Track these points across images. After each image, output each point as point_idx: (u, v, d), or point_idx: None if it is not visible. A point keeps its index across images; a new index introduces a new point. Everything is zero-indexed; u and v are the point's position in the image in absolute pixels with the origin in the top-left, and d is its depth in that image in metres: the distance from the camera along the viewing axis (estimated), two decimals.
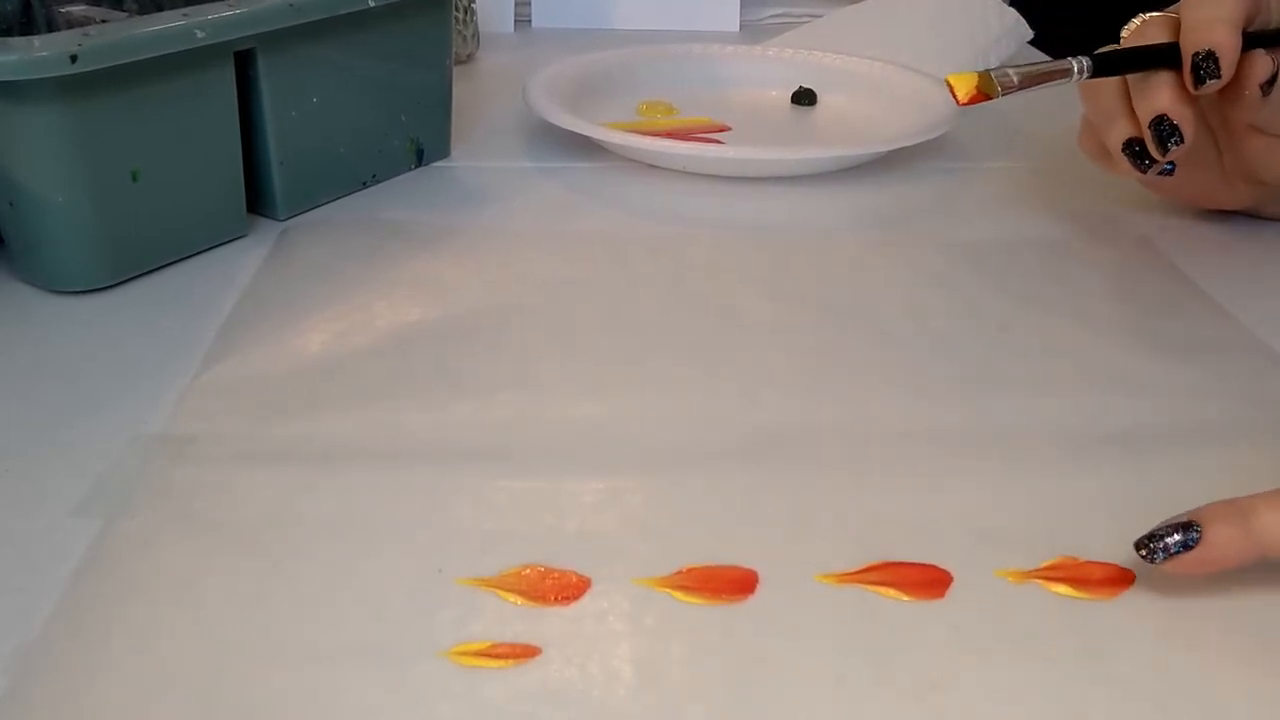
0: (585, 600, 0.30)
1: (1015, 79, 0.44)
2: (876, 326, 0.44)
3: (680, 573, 0.31)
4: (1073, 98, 0.48)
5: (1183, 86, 0.43)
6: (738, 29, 0.92)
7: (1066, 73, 0.44)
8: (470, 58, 0.82)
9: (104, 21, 0.52)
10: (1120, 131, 0.45)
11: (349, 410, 0.38)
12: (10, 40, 0.40)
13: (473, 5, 0.80)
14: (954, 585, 0.30)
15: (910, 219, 0.56)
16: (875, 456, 0.36)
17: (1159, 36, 0.44)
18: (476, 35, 0.82)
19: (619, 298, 0.46)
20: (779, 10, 0.94)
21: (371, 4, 0.51)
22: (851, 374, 0.40)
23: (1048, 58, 0.46)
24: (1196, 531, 0.29)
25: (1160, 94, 0.43)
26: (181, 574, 0.30)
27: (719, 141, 0.63)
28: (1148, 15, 0.46)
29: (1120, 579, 0.31)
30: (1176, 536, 0.29)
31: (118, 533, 0.32)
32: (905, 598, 0.30)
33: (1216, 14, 0.42)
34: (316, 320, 0.44)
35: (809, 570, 0.31)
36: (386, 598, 0.30)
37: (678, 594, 0.30)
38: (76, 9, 0.55)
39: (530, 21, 0.93)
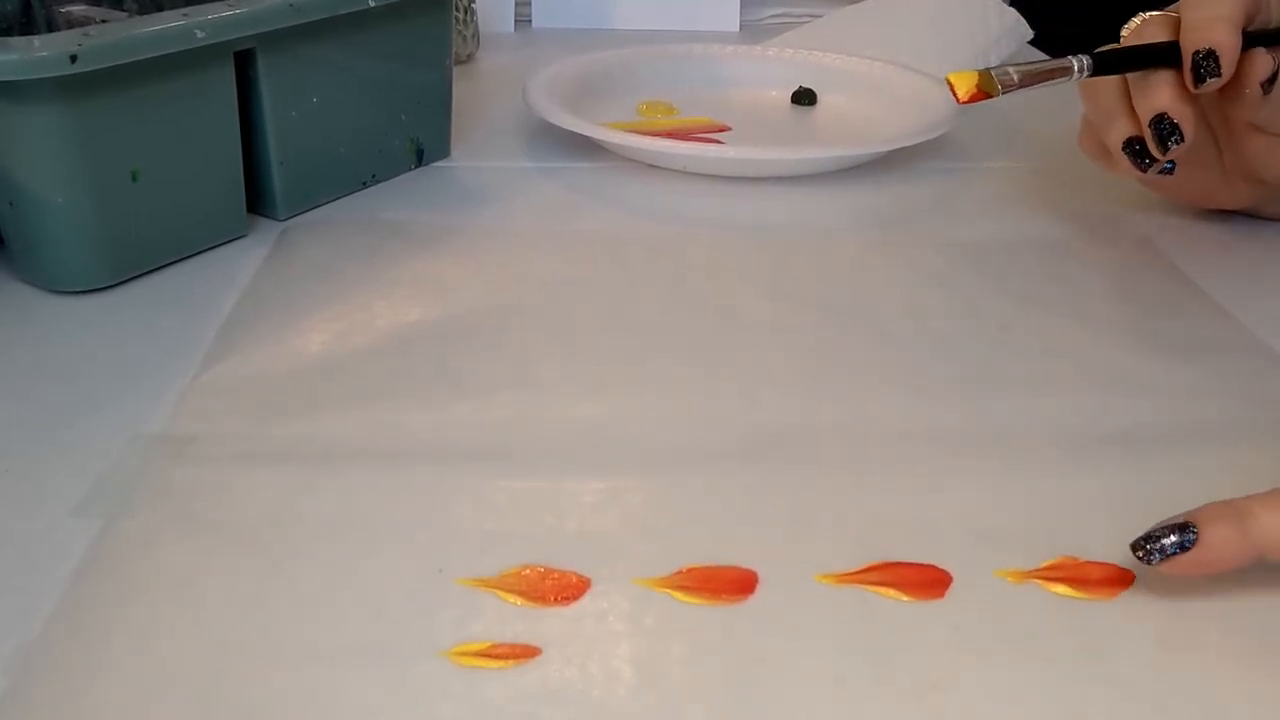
0: (585, 600, 0.30)
1: (1015, 77, 0.44)
2: (876, 326, 0.44)
3: (680, 573, 0.31)
4: (1072, 97, 0.48)
5: (1183, 85, 0.43)
6: (738, 29, 0.92)
7: (1067, 71, 0.44)
8: (470, 58, 0.82)
9: (104, 21, 0.52)
10: (1120, 130, 0.45)
11: (349, 410, 0.38)
12: (10, 40, 0.40)
13: (473, 5, 0.80)
14: (954, 585, 0.30)
15: (910, 219, 0.56)
16: (875, 456, 0.36)
17: (1159, 35, 0.44)
18: (476, 35, 0.82)
19: (619, 298, 0.46)
20: (779, 10, 0.94)
21: (371, 4, 0.51)
22: (851, 374, 0.40)
23: (1047, 57, 0.46)
24: (1193, 533, 0.29)
25: (1160, 93, 0.43)
26: (181, 574, 0.30)
27: (719, 141, 0.63)
28: (1147, 14, 0.46)
29: (1120, 579, 0.31)
30: (1173, 538, 0.29)
31: (118, 533, 0.32)
32: (905, 598, 0.30)
33: (1216, 13, 0.42)
34: (316, 320, 0.44)
35: (809, 570, 0.31)
36: (386, 598, 0.30)
37: (678, 594, 0.30)
38: (76, 9, 0.55)
39: (530, 21, 0.93)
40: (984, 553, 0.31)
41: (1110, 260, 0.50)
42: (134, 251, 0.46)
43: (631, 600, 0.30)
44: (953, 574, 0.31)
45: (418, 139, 0.59)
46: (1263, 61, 0.43)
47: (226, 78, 0.47)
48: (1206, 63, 0.42)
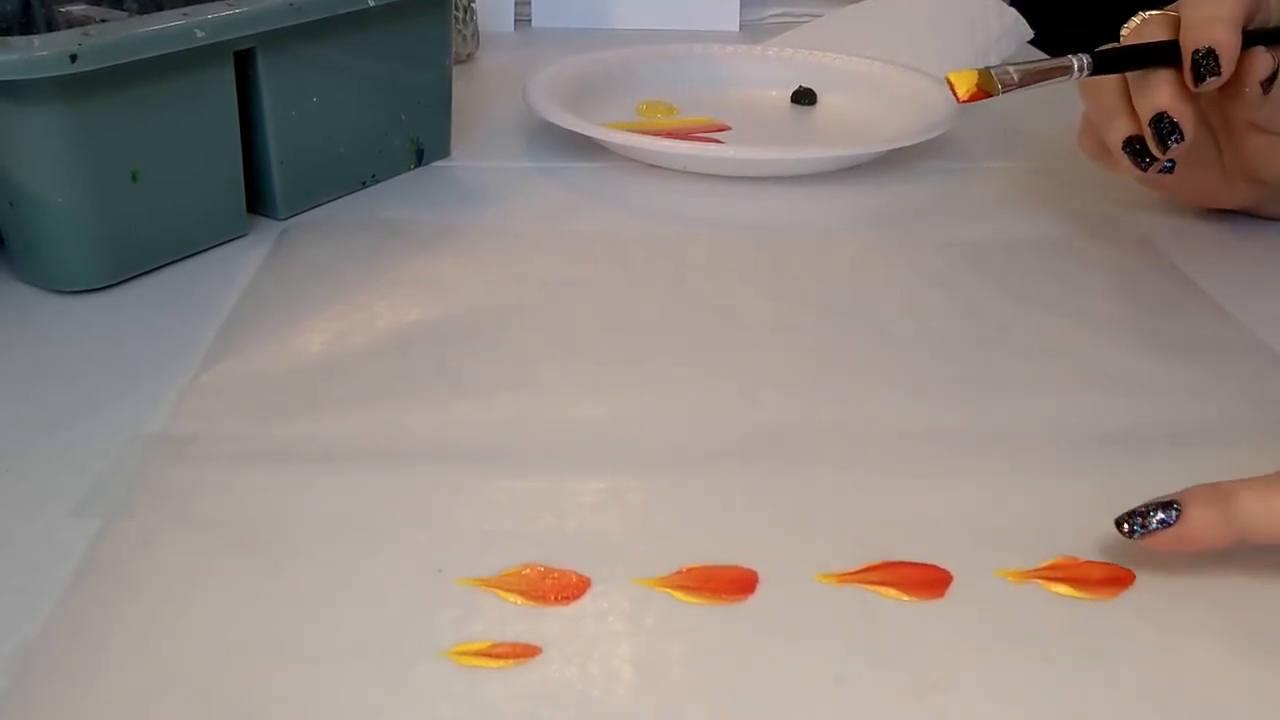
0: (585, 600, 0.30)
1: (1015, 76, 0.44)
2: (876, 326, 0.44)
3: (680, 573, 0.31)
4: (1072, 97, 0.48)
5: (1183, 84, 0.43)
6: (738, 29, 0.92)
7: (1067, 70, 0.44)
8: (470, 58, 0.82)
9: (104, 21, 0.52)
10: (1120, 129, 0.45)
11: (349, 410, 0.38)
12: (10, 40, 0.40)
13: (473, 5, 0.80)
14: (954, 585, 0.30)
15: (910, 219, 0.56)
16: (875, 456, 0.36)
17: (1159, 34, 0.44)
18: (476, 35, 0.82)
19: (619, 298, 0.46)
20: (779, 10, 0.94)
21: (371, 4, 0.51)
22: (851, 374, 0.40)
23: (1047, 57, 0.46)
24: (1176, 510, 0.29)
25: (1160, 91, 0.43)
26: (181, 574, 0.30)
27: (719, 141, 0.63)
28: (1147, 14, 0.46)
29: (1120, 579, 0.31)
30: (1158, 515, 0.30)
31: (118, 533, 0.32)
32: (905, 598, 0.30)
33: (1216, 12, 0.42)
34: (316, 320, 0.44)
35: (809, 570, 0.31)
36: (386, 598, 0.30)
37: (678, 594, 0.30)
38: (76, 9, 0.55)
39: (530, 21, 0.93)
40: (984, 553, 0.31)
41: (1110, 260, 0.50)
42: (134, 251, 0.46)
43: (631, 600, 0.30)
44: (953, 574, 0.31)
45: (418, 139, 0.59)
46: (1262, 60, 0.43)
47: (226, 78, 0.47)
48: (1206, 61, 0.42)
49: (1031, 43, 0.82)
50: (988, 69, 0.44)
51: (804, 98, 0.70)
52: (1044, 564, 0.31)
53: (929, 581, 0.30)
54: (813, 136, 0.66)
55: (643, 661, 0.28)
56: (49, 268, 0.45)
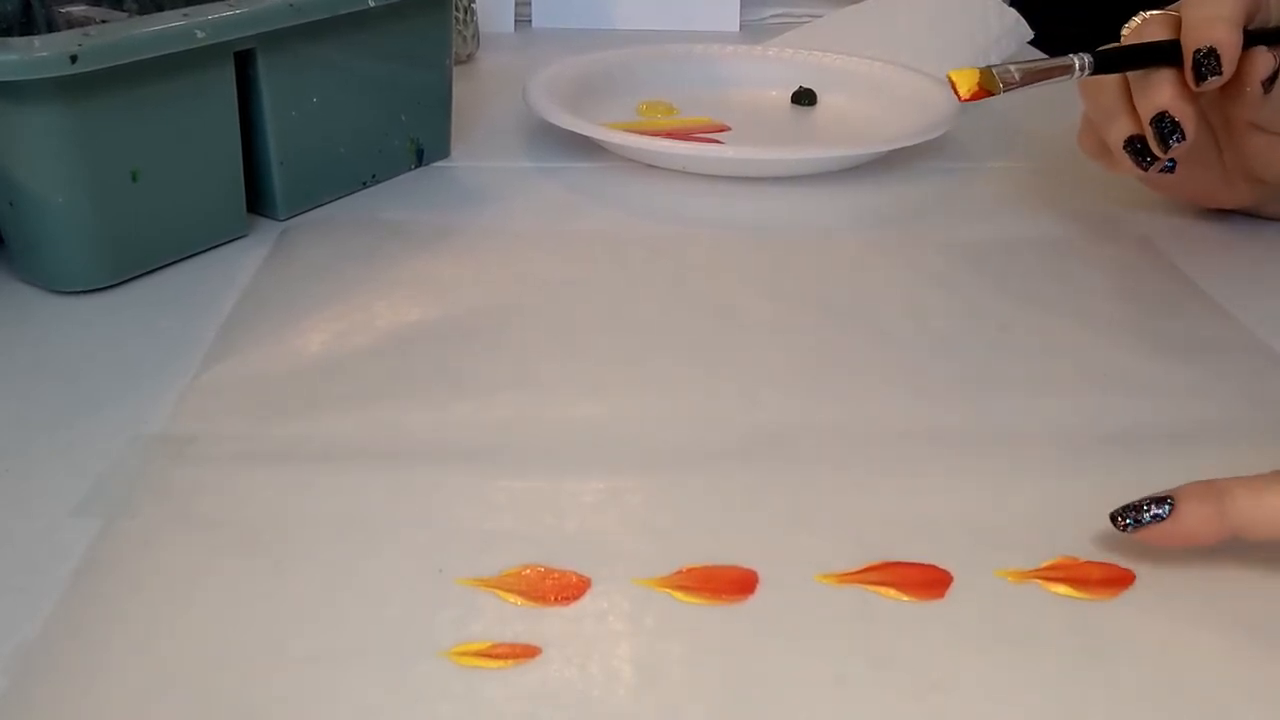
0: (585, 600, 0.30)
1: (1017, 75, 0.44)
2: (876, 326, 0.44)
3: (680, 573, 0.31)
4: (1073, 97, 0.48)
5: (1184, 84, 0.43)
6: (738, 29, 0.92)
7: (1068, 69, 0.44)
8: (470, 58, 0.82)
9: (104, 21, 0.52)
10: (1121, 129, 0.45)
11: (349, 410, 0.38)
12: (10, 40, 0.40)
13: (473, 5, 0.80)
14: (954, 585, 0.30)
15: (910, 219, 0.56)
16: (875, 456, 0.36)
17: (1160, 34, 0.44)
18: (476, 35, 0.82)
19: (619, 298, 0.46)
20: (779, 10, 0.94)
21: (371, 4, 0.51)
22: (851, 374, 0.40)
23: (1047, 57, 0.46)
24: (1169, 505, 0.30)
25: (1161, 91, 0.43)
26: (181, 574, 0.30)
27: (719, 141, 0.63)
28: (1148, 13, 0.46)
29: (1120, 579, 0.31)
30: (1152, 509, 0.30)
31: (118, 532, 0.32)
32: (905, 598, 0.30)
33: (1217, 12, 0.42)
34: (316, 320, 0.44)
35: (809, 570, 0.31)
36: (386, 598, 0.30)
37: (678, 594, 0.30)
38: (76, 9, 0.55)
39: (530, 21, 0.93)
40: (984, 553, 0.31)
41: (1110, 260, 0.50)
42: (134, 251, 0.46)
43: (631, 600, 0.30)
44: (953, 574, 0.31)
45: (418, 139, 0.59)
46: (1263, 60, 0.43)
47: (226, 78, 0.47)
48: (1207, 61, 0.42)
49: (1031, 43, 0.82)
50: (989, 68, 0.44)
51: (804, 98, 0.70)
52: (1044, 564, 0.31)
53: (929, 581, 0.30)
54: (813, 137, 0.66)
55: (643, 661, 0.28)
56: (49, 268, 0.45)
